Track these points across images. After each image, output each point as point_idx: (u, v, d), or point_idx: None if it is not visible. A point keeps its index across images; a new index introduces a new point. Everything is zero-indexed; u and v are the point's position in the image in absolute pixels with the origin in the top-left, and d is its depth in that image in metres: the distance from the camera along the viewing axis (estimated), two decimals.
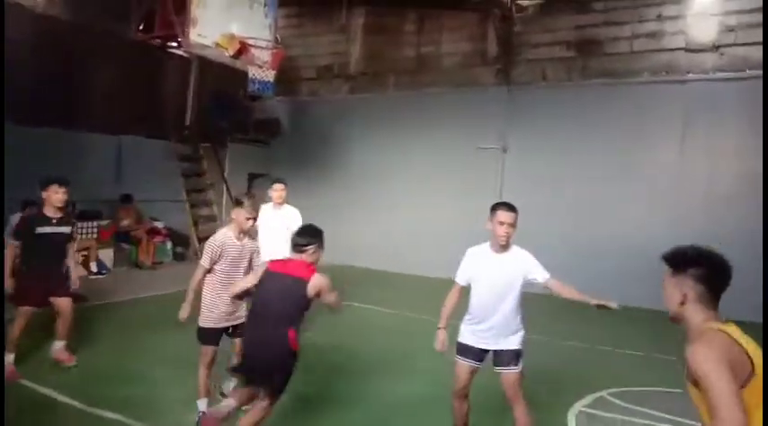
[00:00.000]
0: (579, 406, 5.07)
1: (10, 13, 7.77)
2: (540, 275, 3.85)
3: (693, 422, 4.75)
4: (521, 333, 3.91)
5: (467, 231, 11.13)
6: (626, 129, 9.90)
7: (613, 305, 3.59)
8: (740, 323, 2.08)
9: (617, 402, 5.23)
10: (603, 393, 5.41)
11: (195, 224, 12.31)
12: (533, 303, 8.23)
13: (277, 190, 6.32)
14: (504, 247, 3.86)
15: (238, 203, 4.42)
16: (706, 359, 1.96)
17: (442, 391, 4.37)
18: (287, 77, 13.05)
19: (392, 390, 5.29)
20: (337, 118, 13.12)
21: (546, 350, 6.77)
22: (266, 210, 6.23)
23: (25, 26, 9.45)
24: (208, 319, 4.26)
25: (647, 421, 4.79)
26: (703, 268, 2.14)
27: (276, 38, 11.84)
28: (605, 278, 9.35)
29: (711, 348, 1.98)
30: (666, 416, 4.89)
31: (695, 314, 2.14)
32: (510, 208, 3.81)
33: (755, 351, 2.01)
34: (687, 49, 9.44)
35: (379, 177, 12.29)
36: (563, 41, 10.58)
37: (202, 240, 12.36)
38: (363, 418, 4.73)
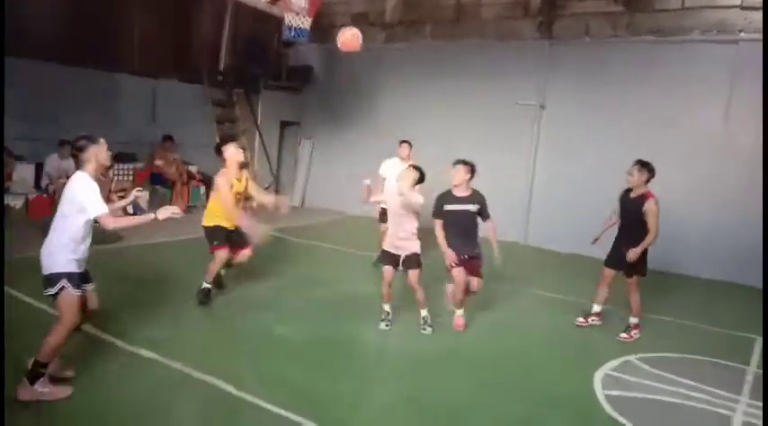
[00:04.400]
0: (606, 369, 5.10)
1: None
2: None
3: (716, 390, 4.75)
4: None
5: (500, 186, 11.14)
6: (670, 90, 9.53)
7: None
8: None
9: (644, 366, 5.24)
10: (632, 357, 5.43)
11: None
12: (576, 267, 8.03)
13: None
14: None
15: None
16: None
17: None
18: (321, 24, 12.81)
19: None
20: (371, 67, 12.87)
21: (579, 312, 6.77)
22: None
23: None
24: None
25: (671, 388, 4.79)
26: None
27: None
28: None
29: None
30: (690, 382, 4.90)
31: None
32: None
33: None
34: (743, 7, 8.95)
35: (411, 129, 12.11)
36: None
37: None
38: None
